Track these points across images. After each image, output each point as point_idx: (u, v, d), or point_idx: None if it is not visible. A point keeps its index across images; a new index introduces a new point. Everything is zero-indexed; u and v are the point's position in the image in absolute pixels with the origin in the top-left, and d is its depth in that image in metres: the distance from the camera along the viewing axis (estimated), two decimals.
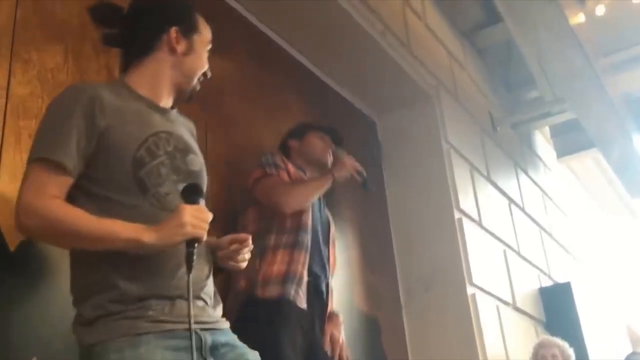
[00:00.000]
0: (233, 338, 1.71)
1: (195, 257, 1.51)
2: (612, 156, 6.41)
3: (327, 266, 2.79)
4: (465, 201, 4.37)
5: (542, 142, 6.67)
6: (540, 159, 6.44)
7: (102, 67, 2.37)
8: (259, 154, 2.99)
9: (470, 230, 4.29)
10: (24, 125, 2.01)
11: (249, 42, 3.38)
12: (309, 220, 2.68)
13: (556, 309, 5.16)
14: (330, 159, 2.95)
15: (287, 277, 2.53)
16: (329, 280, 2.80)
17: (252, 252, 2.25)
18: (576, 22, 5.30)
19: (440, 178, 4.29)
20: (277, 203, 2.61)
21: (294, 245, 2.60)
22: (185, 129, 1.84)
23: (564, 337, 4.08)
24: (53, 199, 1.53)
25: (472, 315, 3.96)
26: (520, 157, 5.88)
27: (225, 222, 2.68)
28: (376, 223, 4.11)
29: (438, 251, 4.12)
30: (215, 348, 1.61)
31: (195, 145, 1.82)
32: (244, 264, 1.78)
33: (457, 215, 4.21)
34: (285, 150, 2.99)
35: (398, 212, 4.28)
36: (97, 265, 1.56)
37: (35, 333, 1.86)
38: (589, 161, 7.33)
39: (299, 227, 2.64)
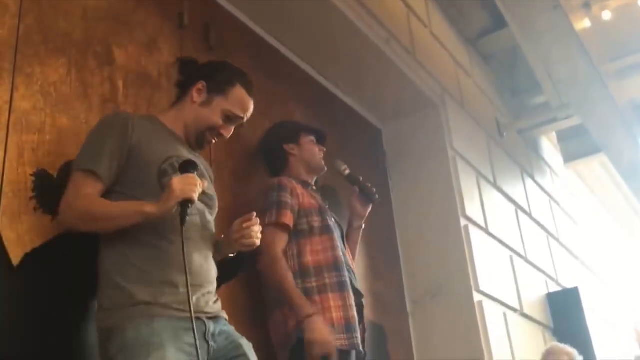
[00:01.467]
0: (230, 329, 2.03)
1: (188, 216, 1.81)
2: (619, 161, 6.37)
3: (355, 274, 2.82)
4: (472, 208, 4.36)
5: (549, 147, 6.66)
6: (547, 164, 6.42)
7: (105, 80, 2.37)
8: (263, 163, 3.01)
9: (476, 236, 4.28)
10: (27, 140, 2.02)
11: (253, 52, 3.38)
12: (340, 253, 2.69)
13: (564, 315, 5.15)
14: (332, 164, 2.99)
15: (349, 326, 2.55)
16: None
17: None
18: (582, 27, 5.28)
19: (446, 185, 4.28)
20: (267, 277, 2.63)
21: (342, 288, 2.62)
22: (204, 168, 2.17)
23: (572, 343, 4.05)
24: (84, 195, 1.87)
25: (479, 322, 3.94)
26: (527, 162, 5.87)
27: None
28: (382, 230, 4.10)
29: (444, 258, 4.11)
30: (216, 334, 1.93)
31: (210, 179, 2.19)
32: (258, 241, 2.11)
33: (463, 222, 4.20)
34: (283, 155, 2.95)
35: (404, 220, 4.28)
36: (121, 259, 1.87)
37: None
38: (596, 166, 7.31)
39: (336, 265, 2.65)
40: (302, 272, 2.62)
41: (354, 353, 2.57)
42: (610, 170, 7.26)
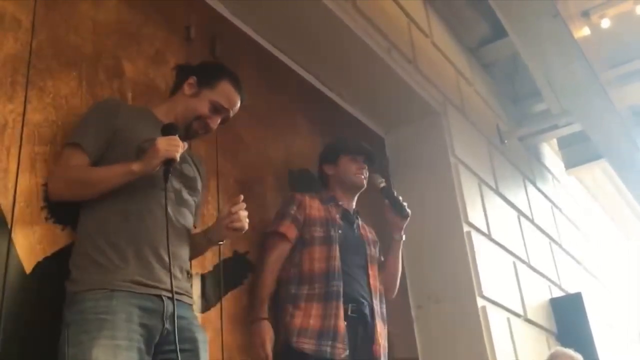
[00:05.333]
0: (192, 316, 2.09)
1: (170, 174, 1.95)
2: (620, 167, 6.41)
3: (369, 289, 2.88)
4: (474, 214, 4.39)
5: (550, 153, 6.69)
6: (548, 170, 6.46)
7: (114, 92, 2.43)
8: (268, 172, 3.06)
9: (479, 243, 4.30)
10: (39, 151, 2.07)
11: (259, 63, 3.43)
12: (337, 262, 2.77)
13: (568, 320, 5.15)
14: (365, 180, 3.09)
15: (322, 333, 2.62)
16: (375, 302, 2.87)
17: (284, 300, 2.71)
18: (581, 35, 5.33)
19: (449, 192, 4.31)
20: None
21: (327, 297, 2.69)
22: (188, 156, 2.26)
23: (576, 348, 4.05)
24: (71, 166, 2.00)
25: (483, 327, 3.95)
26: (529, 169, 5.91)
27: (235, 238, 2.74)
28: (385, 238, 4.12)
29: (448, 264, 4.13)
30: (173, 317, 1.90)
31: (193, 166, 2.28)
32: (247, 224, 2.19)
33: (466, 228, 4.23)
34: (323, 178, 3.15)
35: (407, 227, 4.29)
36: (91, 232, 1.95)
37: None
38: (597, 172, 7.34)
39: (328, 274, 2.74)
40: (300, 279, 2.76)
41: None
42: (612, 176, 7.29)
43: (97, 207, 1.98)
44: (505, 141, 5.47)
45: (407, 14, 4.50)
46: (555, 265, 5.67)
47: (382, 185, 3.19)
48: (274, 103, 3.42)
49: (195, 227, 2.30)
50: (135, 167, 1.93)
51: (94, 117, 2.10)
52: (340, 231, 2.89)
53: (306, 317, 2.65)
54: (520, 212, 5.31)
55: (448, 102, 4.66)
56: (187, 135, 2.26)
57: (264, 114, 3.30)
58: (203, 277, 2.60)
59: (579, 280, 6.06)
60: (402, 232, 3.17)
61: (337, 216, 2.95)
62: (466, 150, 4.62)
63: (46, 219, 2.03)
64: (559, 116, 5.64)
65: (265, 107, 3.32)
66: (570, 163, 6.70)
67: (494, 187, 4.94)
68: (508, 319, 4.35)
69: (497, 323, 4.11)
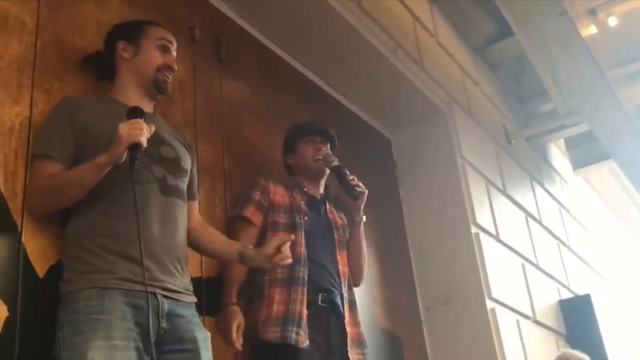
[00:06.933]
0: (192, 314, 2.01)
1: (143, 184, 1.93)
2: (628, 167, 6.37)
3: (338, 277, 2.76)
4: (482, 216, 4.37)
5: (558, 154, 6.67)
6: (556, 171, 6.43)
7: None
8: (274, 174, 3.04)
9: (487, 244, 4.29)
10: None
11: (263, 64, 3.42)
12: (302, 249, 2.66)
13: (577, 322, 5.14)
14: (322, 160, 2.90)
15: (286, 318, 2.51)
16: (345, 289, 2.76)
17: (252, 291, 2.58)
18: (588, 33, 5.29)
19: (456, 193, 4.30)
20: None
21: (290, 283, 2.58)
22: (167, 132, 2.17)
23: (586, 350, 4.03)
24: (45, 176, 1.93)
25: (492, 329, 3.95)
26: (536, 169, 5.88)
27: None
28: (393, 239, 4.12)
29: (456, 266, 4.12)
30: (171, 315, 1.91)
31: (175, 143, 2.16)
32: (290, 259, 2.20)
33: (474, 230, 4.21)
34: (288, 167, 3.01)
35: (415, 229, 4.30)
36: (80, 234, 1.91)
37: None
38: (605, 172, 7.30)
39: (293, 259, 2.53)
40: None
41: (293, 349, 2.48)
42: (620, 177, 7.26)
43: (85, 208, 1.92)
44: (512, 141, 5.45)
45: (412, 14, 4.48)
46: (564, 267, 5.65)
47: (335, 164, 2.93)
48: (279, 104, 3.40)
49: (197, 200, 2.30)
50: (102, 158, 1.84)
51: (55, 123, 2.00)
52: (306, 218, 2.76)
53: (270, 305, 2.54)
54: (528, 214, 5.29)
55: (454, 102, 4.65)
56: (158, 90, 2.18)
57: (269, 114, 3.28)
58: (214, 279, 2.57)
59: (587, 282, 6.04)
60: (362, 213, 2.96)
61: (302, 203, 2.81)
62: (473, 151, 4.60)
63: (56, 223, 2.00)
64: (566, 116, 5.62)
65: (269, 107, 3.31)
66: (578, 163, 6.66)
67: (501, 188, 4.92)
68: (517, 321, 4.34)
69: (506, 325, 4.10)
